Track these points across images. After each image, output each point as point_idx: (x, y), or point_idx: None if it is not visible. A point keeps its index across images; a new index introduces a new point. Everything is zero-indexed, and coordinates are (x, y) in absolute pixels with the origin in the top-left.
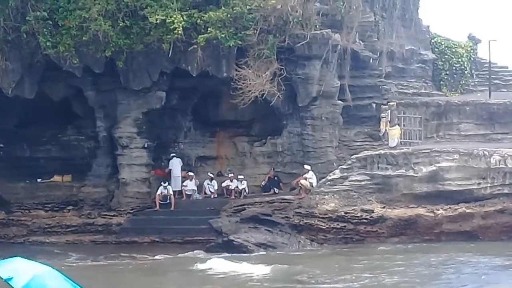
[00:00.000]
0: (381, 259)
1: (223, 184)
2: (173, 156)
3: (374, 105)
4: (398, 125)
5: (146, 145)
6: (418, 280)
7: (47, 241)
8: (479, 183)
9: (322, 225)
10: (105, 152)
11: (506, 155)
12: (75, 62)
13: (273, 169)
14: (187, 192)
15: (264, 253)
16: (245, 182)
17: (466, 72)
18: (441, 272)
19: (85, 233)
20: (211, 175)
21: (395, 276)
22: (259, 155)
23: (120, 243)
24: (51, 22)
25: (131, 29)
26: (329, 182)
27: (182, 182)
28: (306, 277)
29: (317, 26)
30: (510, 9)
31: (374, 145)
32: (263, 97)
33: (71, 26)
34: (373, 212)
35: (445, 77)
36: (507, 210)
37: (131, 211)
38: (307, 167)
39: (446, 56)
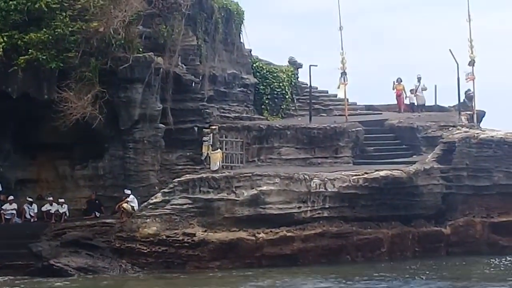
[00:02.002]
0: (206, 283)
1: (43, 208)
2: None
3: (196, 128)
4: (220, 148)
5: None
6: None
7: None
8: (299, 207)
9: (143, 249)
10: None
11: (326, 179)
12: None
13: (95, 192)
14: (6, 216)
15: (84, 277)
16: (66, 206)
17: (287, 96)
18: None
19: None
20: (30, 199)
21: None
22: (80, 178)
23: None
24: None
25: None
26: (150, 206)
27: (1, 205)
28: None
29: (140, 49)
30: (329, 33)
31: (196, 168)
32: (85, 120)
33: None
34: (194, 236)
35: (267, 101)
36: (327, 234)
37: None
38: (127, 191)
39: (267, 81)
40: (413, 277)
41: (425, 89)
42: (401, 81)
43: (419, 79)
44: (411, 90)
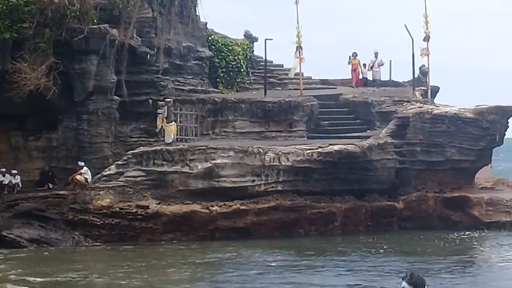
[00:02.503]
0: (156, 256)
1: None
2: None
3: (150, 101)
4: (175, 121)
5: None
6: (185, 278)
7: None
8: (253, 180)
9: (96, 221)
10: None
11: (280, 152)
12: None
13: (48, 164)
14: None
15: (36, 249)
16: (19, 177)
17: (242, 70)
18: (214, 270)
19: None
20: None
21: (167, 275)
22: (34, 149)
23: None
24: None
25: None
26: (104, 178)
27: None
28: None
29: (95, 21)
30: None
31: (150, 141)
32: (39, 91)
33: None
34: (148, 208)
35: (222, 75)
36: (281, 207)
37: None
38: (81, 163)
39: (222, 54)
40: (370, 251)
41: (382, 64)
42: (357, 55)
43: (376, 54)
44: (364, 64)
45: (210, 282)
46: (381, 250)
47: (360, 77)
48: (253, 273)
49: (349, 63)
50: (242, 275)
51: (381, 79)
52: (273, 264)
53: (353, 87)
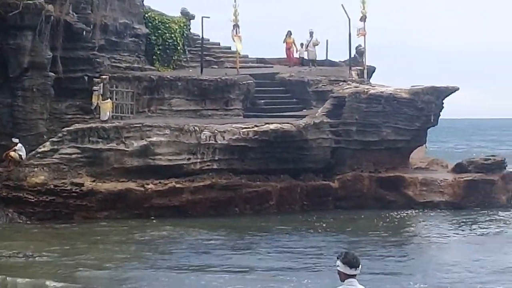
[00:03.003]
0: (93, 234)
1: None
2: None
3: (86, 78)
4: (110, 98)
5: None
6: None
7: None
8: (189, 159)
9: (31, 198)
10: None
11: (216, 131)
12: None
13: None
14: None
15: None
16: None
17: (179, 47)
18: (151, 249)
19: None
20: None
21: (105, 253)
22: None
23: None
24: None
25: None
26: (39, 155)
27: None
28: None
29: None
30: None
31: (85, 118)
32: None
33: None
34: (83, 186)
35: (158, 52)
36: (216, 186)
37: None
38: (15, 140)
39: (159, 31)
40: (308, 230)
41: (317, 44)
42: (291, 34)
43: (311, 34)
44: (301, 44)
45: (148, 260)
46: (319, 230)
47: (297, 56)
48: (192, 252)
49: (284, 42)
50: (180, 254)
51: (317, 59)
52: (211, 242)
53: (288, 67)
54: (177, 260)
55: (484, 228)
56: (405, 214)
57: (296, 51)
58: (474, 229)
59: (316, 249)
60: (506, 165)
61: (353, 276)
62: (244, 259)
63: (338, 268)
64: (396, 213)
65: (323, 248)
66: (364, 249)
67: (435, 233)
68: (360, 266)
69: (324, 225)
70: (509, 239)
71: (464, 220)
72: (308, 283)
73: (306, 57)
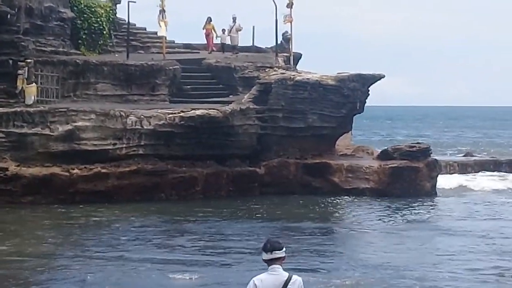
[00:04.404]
0: (18, 220)
1: None
2: None
3: (11, 61)
4: (35, 82)
5: None
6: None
7: None
8: (115, 144)
9: None
10: None
11: (142, 116)
12: None
13: None
14: None
15: None
16: None
17: (105, 32)
18: (80, 234)
19: None
20: None
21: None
22: None
23: None
24: None
25: None
26: None
27: None
28: None
29: None
30: None
31: (10, 102)
32: None
33: None
34: (7, 170)
35: (84, 37)
36: (142, 171)
37: None
38: None
39: (85, 15)
40: (236, 216)
41: (240, 30)
42: (211, 20)
43: (234, 19)
44: (223, 30)
45: (77, 246)
46: (246, 215)
47: (218, 42)
48: (122, 237)
49: (203, 28)
50: (110, 238)
51: (242, 45)
52: (140, 228)
53: (208, 53)
54: (111, 245)
55: (408, 215)
56: (330, 201)
57: (216, 37)
58: (399, 216)
59: (239, 235)
60: (431, 152)
61: (274, 261)
62: (176, 242)
63: (262, 257)
64: (322, 200)
65: (253, 233)
66: (290, 233)
67: (360, 219)
68: (279, 250)
69: (250, 211)
70: (432, 226)
71: (389, 207)
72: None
73: (228, 43)
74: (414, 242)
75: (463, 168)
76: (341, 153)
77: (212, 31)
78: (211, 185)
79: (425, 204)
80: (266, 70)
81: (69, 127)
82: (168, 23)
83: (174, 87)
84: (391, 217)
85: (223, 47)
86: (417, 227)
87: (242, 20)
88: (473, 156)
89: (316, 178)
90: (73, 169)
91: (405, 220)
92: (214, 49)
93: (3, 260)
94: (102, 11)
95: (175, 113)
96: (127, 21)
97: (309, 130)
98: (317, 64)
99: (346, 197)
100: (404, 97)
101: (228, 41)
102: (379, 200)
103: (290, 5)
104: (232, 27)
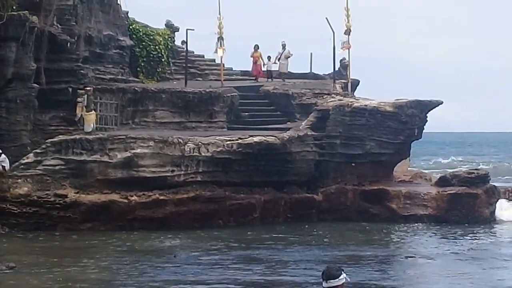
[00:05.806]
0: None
1: None
2: None
3: (70, 89)
4: (94, 110)
5: None
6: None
7: None
8: (173, 170)
9: (14, 209)
10: None
11: (200, 143)
12: None
13: None
14: None
15: None
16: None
17: (163, 59)
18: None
19: None
20: None
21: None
22: None
23: None
24: None
25: None
26: (22, 166)
27: None
28: None
29: (14, 7)
30: None
31: (69, 129)
32: None
33: None
34: (66, 197)
35: (142, 64)
36: (200, 198)
37: None
38: None
39: (143, 43)
40: (296, 242)
41: (289, 56)
42: (258, 48)
43: (283, 46)
44: (268, 57)
45: (138, 273)
46: (313, 242)
47: (264, 69)
48: (181, 263)
49: (251, 56)
50: (169, 265)
51: (292, 72)
52: (204, 258)
53: (255, 80)
54: (176, 273)
55: (469, 242)
56: (389, 227)
57: (264, 65)
58: (459, 243)
59: (299, 263)
60: (490, 179)
61: None
62: (243, 275)
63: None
64: (380, 226)
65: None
66: (349, 263)
67: (420, 247)
68: (334, 279)
69: (318, 237)
70: (493, 253)
71: (449, 234)
72: None
73: (276, 70)
74: (478, 269)
75: None
76: (399, 179)
77: (259, 58)
78: (268, 212)
79: (485, 230)
80: (324, 96)
81: (127, 154)
82: (225, 50)
83: (232, 114)
84: (452, 244)
85: (270, 74)
86: (480, 255)
87: (300, 46)
88: None
89: (374, 205)
90: (132, 196)
91: (467, 247)
92: (260, 76)
93: (67, 286)
94: (161, 39)
95: (233, 140)
96: (185, 48)
97: (367, 156)
98: (375, 90)
99: (404, 223)
100: (463, 123)
101: (274, 68)
102: (438, 226)
103: (347, 32)
104: (281, 54)
